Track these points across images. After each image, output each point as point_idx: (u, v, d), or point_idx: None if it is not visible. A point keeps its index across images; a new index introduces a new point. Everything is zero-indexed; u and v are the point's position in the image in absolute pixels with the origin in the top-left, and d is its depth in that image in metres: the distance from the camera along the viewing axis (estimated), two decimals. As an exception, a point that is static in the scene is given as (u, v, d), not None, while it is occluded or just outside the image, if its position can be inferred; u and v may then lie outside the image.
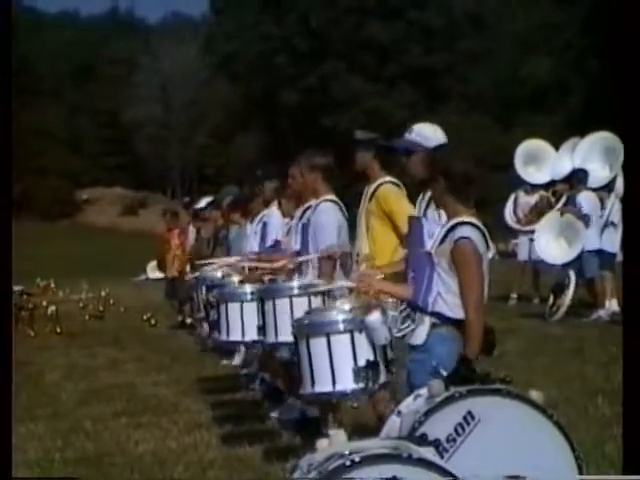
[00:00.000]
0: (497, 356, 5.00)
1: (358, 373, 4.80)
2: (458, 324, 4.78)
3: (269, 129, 61.56)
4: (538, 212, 15.54)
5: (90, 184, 66.94)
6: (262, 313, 6.28)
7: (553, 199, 15.27)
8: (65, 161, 65.99)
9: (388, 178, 6.44)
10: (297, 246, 7.26)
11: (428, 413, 4.27)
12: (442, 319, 4.84)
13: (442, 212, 5.33)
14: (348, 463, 3.58)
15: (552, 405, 4.52)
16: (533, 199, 16.11)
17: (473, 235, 4.80)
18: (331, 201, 6.87)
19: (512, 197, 16.57)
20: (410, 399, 4.62)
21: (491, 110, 58.76)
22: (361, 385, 4.81)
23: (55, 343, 14.58)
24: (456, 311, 4.79)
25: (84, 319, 17.53)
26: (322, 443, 3.82)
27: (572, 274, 13.31)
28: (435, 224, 5.39)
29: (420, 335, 4.89)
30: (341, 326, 4.88)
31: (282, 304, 6.12)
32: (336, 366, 4.84)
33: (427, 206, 5.75)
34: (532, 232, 15.05)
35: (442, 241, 4.87)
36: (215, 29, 67.94)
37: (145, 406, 9.31)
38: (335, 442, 3.80)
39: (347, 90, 59.63)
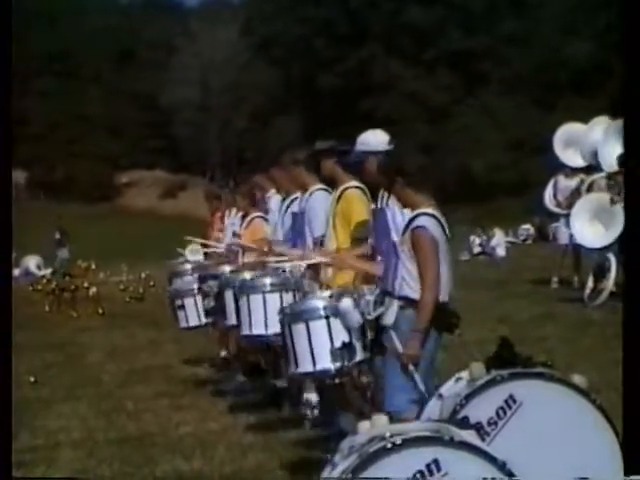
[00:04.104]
0: (537, 340, 5.00)
1: (335, 353, 5.42)
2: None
3: (308, 112, 61.48)
4: (578, 196, 15.37)
5: (130, 167, 67.33)
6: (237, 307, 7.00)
7: (586, 183, 15.06)
8: (105, 145, 66.38)
9: (353, 183, 6.85)
10: (285, 236, 7.73)
11: (469, 396, 4.28)
12: (408, 301, 5.37)
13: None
14: (389, 445, 3.60)
15: (595, 389, 4.50)
16: (573, 182, 15.95)
17: (429, 224, 5.36)
18: (324, 190, 7.22)
19: (552, 181, 16.39)
20: (451, 382, 4.63)
21: (531, 93, 58.24)
22: (338, 364, 5.43)
23: (97, 324, 14.72)
24: (419, 293, 5.34)
25: (124, 301, 17.67)
26: (363, 425, 3.83)
27: (612, 258, 13.11)
28: (396, 212, 5.87)
29: (390, 317, 5.42)
30: (318, 312, 5.52)
31: (256, 299, 6.76)
32: (315, 348, 5.47)
33: (387, 199, 6.17)
34: (572, 215, 14.90)
35: (404, 232, 5.45)
36: (254, 12, 67.85)
37: (185, 387, 9.39)
38: (376, 424, 3.81)
39: (386, 73, 59.39)
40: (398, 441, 3.60)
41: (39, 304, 17.25)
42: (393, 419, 4.71)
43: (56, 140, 65.83)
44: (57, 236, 34.06)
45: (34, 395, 9.46)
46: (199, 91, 67.43)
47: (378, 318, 5.45)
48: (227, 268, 8.38)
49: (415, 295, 5.35)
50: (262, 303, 6.77)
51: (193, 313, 9.17)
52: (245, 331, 6.89)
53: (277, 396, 8.25)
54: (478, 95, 59.32)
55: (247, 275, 7.30)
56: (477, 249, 26.17)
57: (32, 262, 27.77)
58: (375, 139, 6.48)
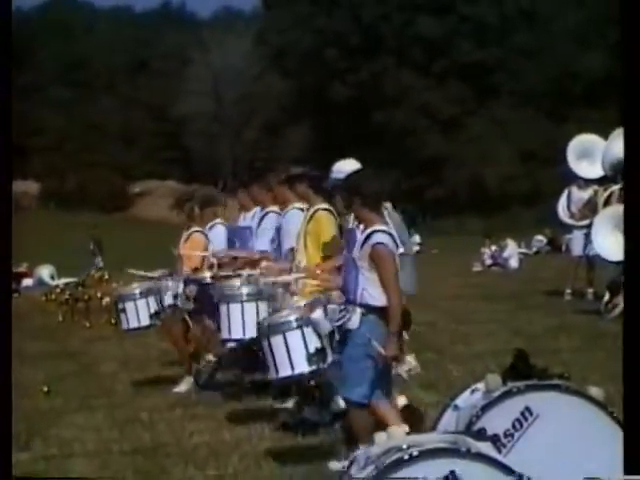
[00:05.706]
0: (551, 352, 4.99)
1: (310, 358, 6.27)
2: (381, 310, 6.07)
3: (320, 123, 61.55)
4: (592, 207, 15.34)
5: (142, 177, 67.48)
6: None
7: (604, 195, 14.99)
8: (118, 155, 66.59)
9: (323, 205, 7.57)
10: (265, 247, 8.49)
11: (486, 408, 4.27)
12: (368, 308, 6.09)
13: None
14: (406, 457, 3.59)
15: (610, 401, 4.48)
16: (587, 194, 15.93)
17: (385, 240, 6.12)
18: (299, 209, 7.87)
19: (565, 192, 16.38)
20: (467, 393, 4.62)
21: (543, 105, 58.20)
22: (314, 367, 6.30)
23: (109, 334, 14.72)
24: (379, 300, 6.07)
25: (137, 311, 17.64)
26: (380, 436, 3.83)
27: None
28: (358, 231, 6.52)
29: (354, 321, 6.14)
30: (293, 324, 6.37)
31: (235, 308, 7.69)
32: (292, 355, 6.31)
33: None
34: (587, 227, 14.86)
35: (362, 246, 6.13)
36: (266, 23, 68.01)
37: (199, 397, 9.39)
38: (393, 436, 3.81)
39: (398, 85, 59.42)
40: (415, 453, 3.59)
41: (52, 314, 17.28)
42: (349, 404, 6.21)
43: (69, 150, 66.05)
44: (91, 246, 34.74)
45: (47, 405, 9.46)
46: (212, 102, 67.59)
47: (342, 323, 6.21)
48: (207, 274, 9.20)
49: (375, 302, 6.08)
50: (240, 311, 7.68)
51: (133, 316, 9.90)
52: (225, 335, 7.86)
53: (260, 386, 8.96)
54: (490, 106, 59.28)
55: (229, 283, 8.03)
56: (488, 261, 26.12)
57: (45, 272, 27.82)
58: (348, 168, 7.17)
